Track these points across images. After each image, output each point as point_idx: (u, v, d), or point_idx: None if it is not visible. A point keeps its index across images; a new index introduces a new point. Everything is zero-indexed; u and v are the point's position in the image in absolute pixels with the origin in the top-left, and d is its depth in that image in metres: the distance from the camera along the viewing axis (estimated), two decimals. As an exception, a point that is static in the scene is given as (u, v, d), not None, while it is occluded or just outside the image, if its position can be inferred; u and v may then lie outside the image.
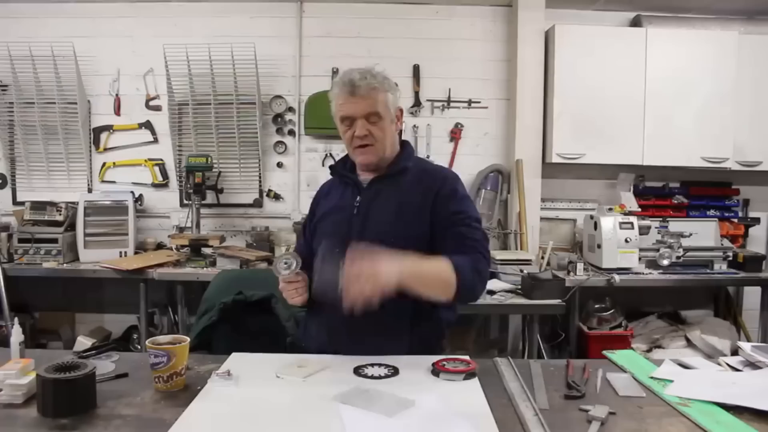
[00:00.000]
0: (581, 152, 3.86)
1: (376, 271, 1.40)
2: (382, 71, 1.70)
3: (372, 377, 1.46)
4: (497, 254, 3.61)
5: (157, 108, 4.07)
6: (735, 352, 2.09)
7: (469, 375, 1.47)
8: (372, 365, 1.53)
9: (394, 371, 1.50)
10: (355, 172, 1.79)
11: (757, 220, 4.22)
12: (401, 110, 1.77)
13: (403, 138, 1.89)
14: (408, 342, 1.67)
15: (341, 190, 1.80)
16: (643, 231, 3.69)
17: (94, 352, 1.64)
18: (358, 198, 1.72)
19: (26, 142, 4.00)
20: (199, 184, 3.75)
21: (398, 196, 1.69)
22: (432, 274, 1.53)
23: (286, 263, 1.64)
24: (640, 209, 3.89)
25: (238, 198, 4.14)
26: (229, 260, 3.52)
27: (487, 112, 4.15)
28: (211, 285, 2.29)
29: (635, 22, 4.07)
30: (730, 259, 3.77)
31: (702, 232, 3.97)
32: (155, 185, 4.13)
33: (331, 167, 1.87)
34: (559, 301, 3.17)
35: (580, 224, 4.05)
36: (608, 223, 3.61)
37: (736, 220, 4.20)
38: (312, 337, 1.77)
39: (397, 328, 1.66)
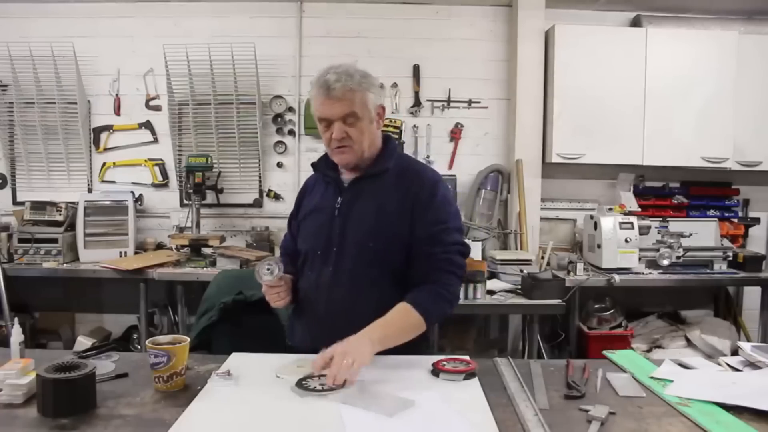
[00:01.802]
0: (581, 152, 3.86)
1: (354, 358, 1.39)
2: (362, 70, 1.65)
3: (315, 390, 1.37)
4: (497, 254, 3.61)
5: (157, 108, 4.07)
6: (735, 352, 2.09)
7: (469, 375, 1.47)
8: (318, 377, 1.42)
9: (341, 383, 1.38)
10: (337, 170, 1.76)
11: (757, 220, 4.22)
12: (383, 108, 1.72)
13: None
14: None
15: (323, 188, 1.78)
16: (643, 231, 3.69)
17: (94, 352, 1.64)
18: (339, 198, 1.70)
19: (26, 142, 4.00)
20: (199, 184, 3.76)
21: (378, 198, 1.68)
22: (400, 329, 1.56)
23: (268, 269, 1.62)
24: (640, 209, 3.89)
25: (238, 198, 4.14)
26: (229, 260, 3.52)
27: (487, 112, 4.15)
28: (211, 285, 2.29)
29: (635, 22, 4.07)
30: (730, 259, 3.77)
31: (702, 232, 3.98)
32: (155, 185, 4.13)
33: (313, 164, 1.84)
34: (559, 301, 3.17)
35: (580, 224, 4.05)
36: (608, 223, 3.61)
37: (736, 220, 4.20)
38: (297, 338, 1.77)
39: None
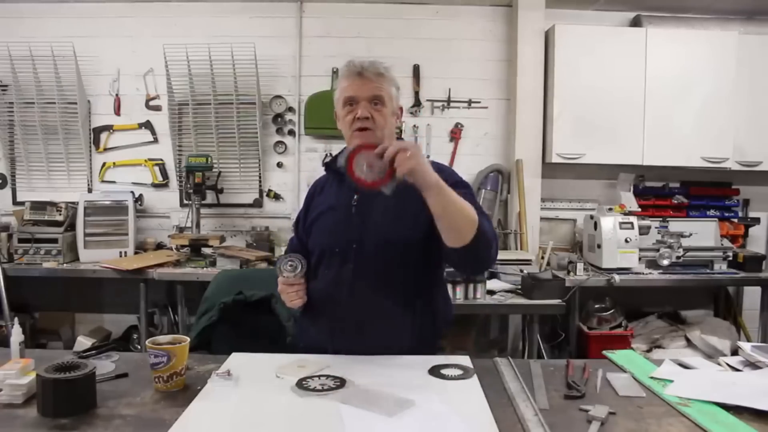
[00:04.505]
0: (581, 152, 3.86)
1: (413, 153, 1.36)
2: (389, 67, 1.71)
3: (315, 390, 1.38)
4: (497, 254, 3.61)
5: (157, 108, 4.07)
6: (735, 352, 2.09)
7: (468, 374, 1.47)
8: (318, 377, 1.45)
9: (341, 383, 1.41)
10: None
11: (757, 220, 4.22)
12: (401, 109, 1.76)
13: (402, 137, 1.86)
14: (409, 338, 1.66)
15: (335, 187, 1.76)
16: (643, 231, 3.69)
17: (94, 352, 1.64)
18: (355, 197, 1.69)
19: (26, 142, 4.00)
20: (199, 184, 3.76)
21: (397, 195, 1.67)
22: (460, 203, 1.43)
23: (291, 265, 1.59)
24: (640, 209, 3.89)
25: (238, 198, 4.14)
26: (229, 260, 3.52)
27: (487, 112, 4.15)
28: (211, 285, 2.29)
29: (635, 22, 4.07)
30: (730, 259, 3.78)
31: (702, 232, 3.97)
32: (155, 185, 4.13)
33: (325, 164, 1.83)
34: (559, 301, 3.17)
35: (580, 224, 4.05)
36: (608, 223, 3.61)
37: (736, 220, 4.20)
38: (311, 338, 1.74)
39: (399, 325, 1.66)
